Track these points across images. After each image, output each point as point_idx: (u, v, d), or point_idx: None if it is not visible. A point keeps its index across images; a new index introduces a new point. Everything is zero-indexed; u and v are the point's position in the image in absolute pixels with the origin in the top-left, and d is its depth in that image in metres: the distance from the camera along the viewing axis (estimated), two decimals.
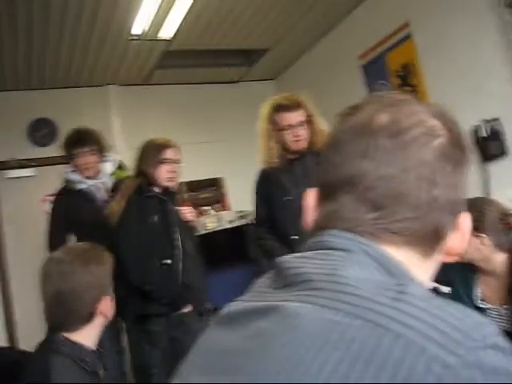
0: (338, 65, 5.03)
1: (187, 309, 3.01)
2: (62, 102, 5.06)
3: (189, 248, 3.08)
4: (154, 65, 5.18)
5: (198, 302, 3.07)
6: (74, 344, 1.66)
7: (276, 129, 2.94)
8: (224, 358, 0.64)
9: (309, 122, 2.93)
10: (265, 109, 2.97)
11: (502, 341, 0.54)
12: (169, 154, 3.09)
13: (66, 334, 1.69)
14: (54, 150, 4.35)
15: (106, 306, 1.75)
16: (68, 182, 3.43)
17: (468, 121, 3.52)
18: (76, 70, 4.97)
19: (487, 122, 3.60)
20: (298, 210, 3.00)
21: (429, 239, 0.69)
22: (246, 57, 5.56)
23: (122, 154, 4.39)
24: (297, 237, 2.84)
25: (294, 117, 2.90)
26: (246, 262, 4.42)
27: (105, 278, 1.77)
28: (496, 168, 3.61)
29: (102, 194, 3.41)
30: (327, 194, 0.73)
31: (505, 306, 2.05)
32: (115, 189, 3.20)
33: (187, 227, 3.18)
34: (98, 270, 1.74)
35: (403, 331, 0.53)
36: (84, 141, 3.36)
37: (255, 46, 5.22)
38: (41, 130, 5.07)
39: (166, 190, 3.12)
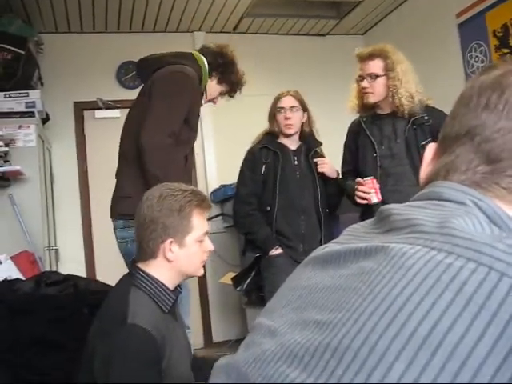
0: (432, 23, 4.80)
1: (277, 251, 3.10)
2: (150, 46, 5.07)
3: (297, 199, 3.16)
4: (242, 13, 5.13)
5: (291, 249, 3.12)
6: (151, 278, 1.68)
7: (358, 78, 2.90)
8: (321, 294, 0.64)
9: (387, 77, 2.77)
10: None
11: None
12: (282, 102, 3.21)
13: (141, 265, 1.72)
14: None
15: (169, 250, 1.70)
16: None
17: None
18: (164, 15, 5.02)
19: None
20: (381, 168, 2.95)
21: None
22: (337, 9, 5.40)
23: None
24: None
25: (365, 68, 2.82)
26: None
27: (175, 221, 1.70)
28: None
29: None
30: (445, 148, 0.73)
31: None
32: None
33: (310, 179, 3.21)
34: (169, 209, 1.70)
35: None
36: None
37: None
38: (129, 73, 5.19)
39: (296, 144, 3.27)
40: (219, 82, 2.83)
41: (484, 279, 0.52)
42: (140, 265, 1.73)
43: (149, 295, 1.65)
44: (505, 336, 0.48)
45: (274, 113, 3.22)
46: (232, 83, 2.86)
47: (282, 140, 3.24)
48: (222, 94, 2.89)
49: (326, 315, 0.60)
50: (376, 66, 2.79)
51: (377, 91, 2.81)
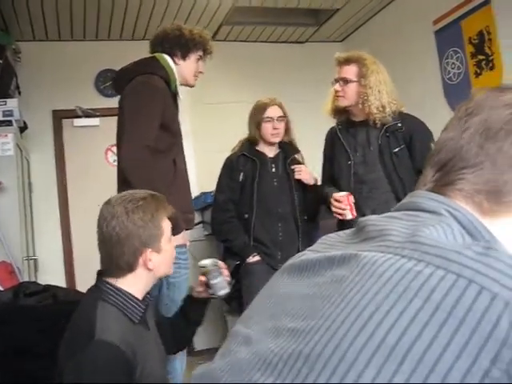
0: (410, 30, 4.86)
1: (255, 259, 3.11)
2: (129, 54, 5.05)
3: (274, 206, 3.18)
4: (221, 21, 5.15)
5: (269, 257, 3.13)
6: (119, 291, 1.66)
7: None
8: (295, 302, 0.65)
9: (360, 83, 2.78)
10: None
11: None
12: (270, 112, 3.20)
13: (111, 280, 1.69)
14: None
15: (149, 260, 1.69)
16: None
17: None
18: (143, 23, 5.01)
19: None
20: (356, 176, 2.98)
21: (492, 197, 0.68)
22: (315, 16, 5.45)
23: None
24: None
25: (339, 72, 2.85)
26: None
27: (150, 230, 1.69)
28: None
29: None
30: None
31: None
32: None
33: (287, 186, 3.23)
34: (142, 220, 1.68)
35: (488, 285, 0.52)
36: None
37: (324, 5, 5.09)
38: (107, 81, 5.17)
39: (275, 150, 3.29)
40: (185, 58, 2.76)
41: (452, 286, 0.53)
42: (108, 278, 1.70)
43: (117, 308, 1.64)
44: (472, 342, 0.49)
45: (259, 121, 3.20)
46: (196, 49, 2.77)
47: (261, 147, 3.25)
48: (199, 60, 2.80)
49: (299, 323, 0.61)
50: (350, 71, 2.82)
51: (347, 96, 2.83)
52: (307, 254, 0.75)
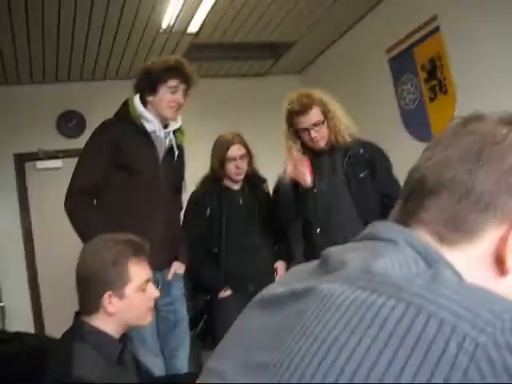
0: (365, 58, 4.99)
1: (226, 293, 3.13)
2: (90, 95, 5.12)
3: (245, 238, 3.19)
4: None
5: (241, 290, 3.12)
6: (95, 330, 1.66)
7: (294, 130, 2.95)
8: (264, 335, 0.68)
9: (327, 119, 2.88)
10: (283, 109, 2.97)
11: None
12: (233, 152, 3.19)
13: (85, 319, 1.69)
14: (81, 142, 4.42)
15: (109, 303, 1.67)
16: None
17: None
18: (103, 63, 5.03)
19: None
20: (323, 204, 3.04)
21: (449, 225, 0.70)
22: (272, 50, 5.54)
23: None
24: (319, 230, 2.87)
25: (307, 120, 2.87)
26: None
27: (111, 274, 1.68)
28: None
29: None
30: None
31: None
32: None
33: (257, 217, 3.25)
34: (104, 262, 1.68)
35: (436, 311, 0.55)
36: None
37: (281, 39, 5.20)
38: (69, 122, 5.15)
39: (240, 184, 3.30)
40: (154, 92, 2.74)
41: (403, 315, 0.56)
42: (84, 318, 1.70)
43: (94, 348, 1.62)
44: (424, 366, 0.52)
45: (221, 160, 3.20)
46: (164, 80, 2.72)
47: (226, 182, 3.27)
48: (172, 92, 2.75)
49: (266, 356, 0.63)
50: (315, 114, 2.88)
51: (324, 136, 2.90)
52: (275, 288, 0.77)
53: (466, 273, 0.66)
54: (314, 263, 0.79)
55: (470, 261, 0.69)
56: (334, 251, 0.74)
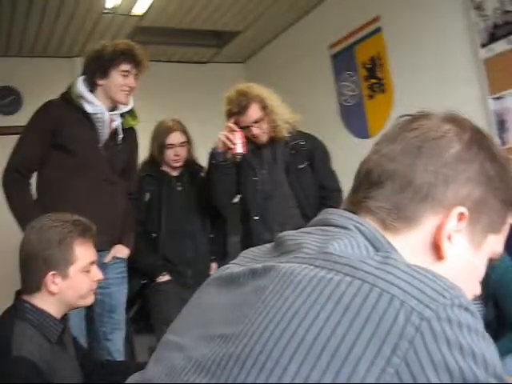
0: (308, 52, 5.08)
1: (164, 278, 3.14)
2: (28, 71, 4.97)
3: (183, 224, 3.21)
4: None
5: (179, 274, 3.15)
6: (36, 309, 1.65)
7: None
8: (224, 311, 0.73)
9: (266, 114, 2.91)
10: (223, 107, 2.98)
11: (467, 302, 0.63)
12: (172, 139, 3.19)
13: (27, 298, 1.68)
14: (17, 119, 4.30)
15: (52, 283, 1.67)
16: None
17: None
18: (44, 40, 4.90)
19: None
20: (262, 192, 3.08)
21: (392, 214, 0.76)
22: (217, 38, 5.55)
23: None
24: (257, 217, 2.92)
25: (247, 119, 2.90)
26: None
27: (56, 254, 1.67)
28: None
29: None
30: None
31: None
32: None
33: (196, 204, 3.26)
34: (49, 242, 1.67)
35: (387, 288, 0.62)
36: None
37: (226, 27, 5.22)
38: (5, 98, 4.99)
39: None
40: (105, 76, 2.72)
41: (358, 291, 0.62)
42: (25, 297, 1.69)
43: (34, 327, 1.62)
44: (376, 336, 0.59)
45: (161, 146, 3.20)
46: (117, 64, 2.71)
47: (165, 167, 3.28)
48: (124, 76, 2.73)
49: (229, 329, 0.68)
50: (254, 111, 2.89)
51: (264, 131, 2.93)
52: (231, 268, 0.82)
53: (408, 258, 0.73)
54: (267, 246, 0.84)
55: (411, 247, 0.76)
56: (288, 235, 0.79)
